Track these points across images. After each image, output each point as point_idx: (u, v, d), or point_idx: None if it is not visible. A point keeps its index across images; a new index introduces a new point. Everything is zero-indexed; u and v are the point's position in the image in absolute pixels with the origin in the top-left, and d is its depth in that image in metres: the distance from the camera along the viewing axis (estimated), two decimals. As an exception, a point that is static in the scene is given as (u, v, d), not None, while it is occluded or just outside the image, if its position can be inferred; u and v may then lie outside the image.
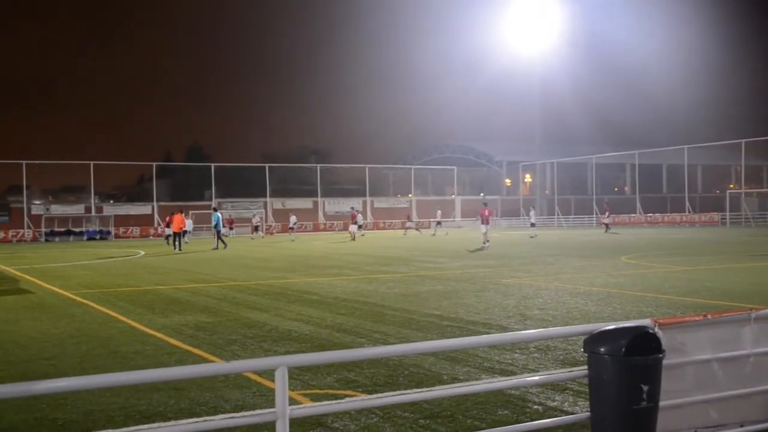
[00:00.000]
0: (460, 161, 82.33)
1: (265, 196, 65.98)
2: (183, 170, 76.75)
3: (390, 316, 10.89)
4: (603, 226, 48.55)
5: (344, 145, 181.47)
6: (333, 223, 64.44)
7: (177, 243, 32.49)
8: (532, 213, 47.12)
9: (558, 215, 69.97)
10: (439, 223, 51.65)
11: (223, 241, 33.86)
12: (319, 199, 68.38)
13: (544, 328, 9.52)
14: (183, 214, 34.58)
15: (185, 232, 42.69)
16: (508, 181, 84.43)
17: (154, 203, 60.92)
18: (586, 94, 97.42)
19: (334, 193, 72.38)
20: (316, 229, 63.84)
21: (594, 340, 4.35)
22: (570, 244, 32.81)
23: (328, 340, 9.01)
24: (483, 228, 31.01)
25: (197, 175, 70.94)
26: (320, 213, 67.62)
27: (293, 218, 47.67)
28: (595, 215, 65.28)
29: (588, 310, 11.22)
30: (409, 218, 52.81)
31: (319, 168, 70.35)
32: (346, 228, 52.97)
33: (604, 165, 77.98)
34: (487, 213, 31.44)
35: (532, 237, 40.33)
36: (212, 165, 66.80)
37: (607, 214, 48.51)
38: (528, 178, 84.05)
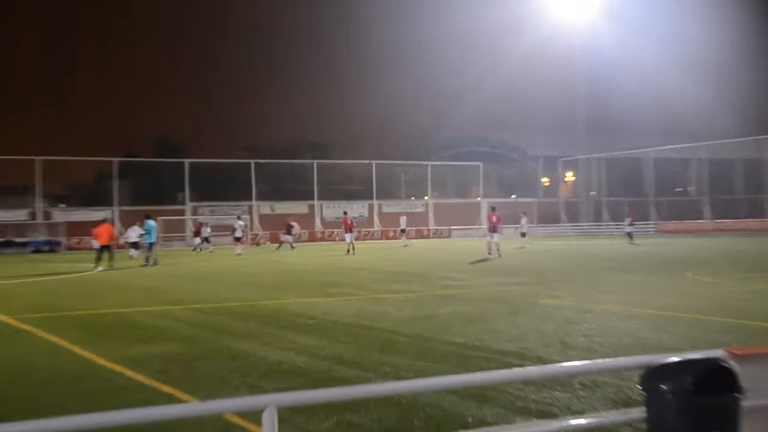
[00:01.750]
0: (486, 156, 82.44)
1: (250, 199, 66.13)
2: (150, 167, 77.00)
3: (402, 345, 10.88)
4: (626, 236, 46.74)
5: (346, 137, 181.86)
6: (333, 231, 64.17)
7: (98, 259, 31.07)
8: (523, 221, 46.79)
9: (607, 221, 69.69)
10: (403, 231, 51.56)
11: (148, 258, 32.59)
12: (316, 203, 68.49)
13: (590, 359, 9.48)
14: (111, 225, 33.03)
15: (136, 244, 41.22)
16: (545, 180, 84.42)
17: (115, 207, 61.09)
18: (641, 73, 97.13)
19: (334, 196, 72.47)
20: (312, 238, 63.86)
21: (654, 375, 4.31)
22: (621, 256, 32.74)
23: (327, 374, 9.00)
24: (490, 237, 32.06)
25: (168, 173, 71.12)
26: (317, 219, 67.67)
27: (240, 223, 46.44)
28: (653, 221, 65.22)
29: (645, 337, 11.17)
30: (289, 229, 50.95)
31: (315, 165, 70.53)
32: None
33: (663, 160, 77.88)
34: (495, 220, 32.32)
35: (520, 248, 40.27)
36: (186, 161, 66.91)
37: (628, 221, 47.69)
38: (570, 176, 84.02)
